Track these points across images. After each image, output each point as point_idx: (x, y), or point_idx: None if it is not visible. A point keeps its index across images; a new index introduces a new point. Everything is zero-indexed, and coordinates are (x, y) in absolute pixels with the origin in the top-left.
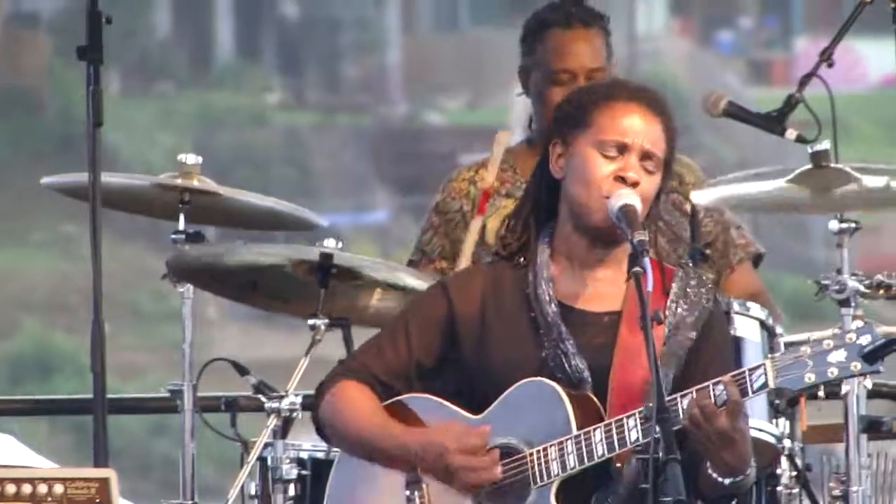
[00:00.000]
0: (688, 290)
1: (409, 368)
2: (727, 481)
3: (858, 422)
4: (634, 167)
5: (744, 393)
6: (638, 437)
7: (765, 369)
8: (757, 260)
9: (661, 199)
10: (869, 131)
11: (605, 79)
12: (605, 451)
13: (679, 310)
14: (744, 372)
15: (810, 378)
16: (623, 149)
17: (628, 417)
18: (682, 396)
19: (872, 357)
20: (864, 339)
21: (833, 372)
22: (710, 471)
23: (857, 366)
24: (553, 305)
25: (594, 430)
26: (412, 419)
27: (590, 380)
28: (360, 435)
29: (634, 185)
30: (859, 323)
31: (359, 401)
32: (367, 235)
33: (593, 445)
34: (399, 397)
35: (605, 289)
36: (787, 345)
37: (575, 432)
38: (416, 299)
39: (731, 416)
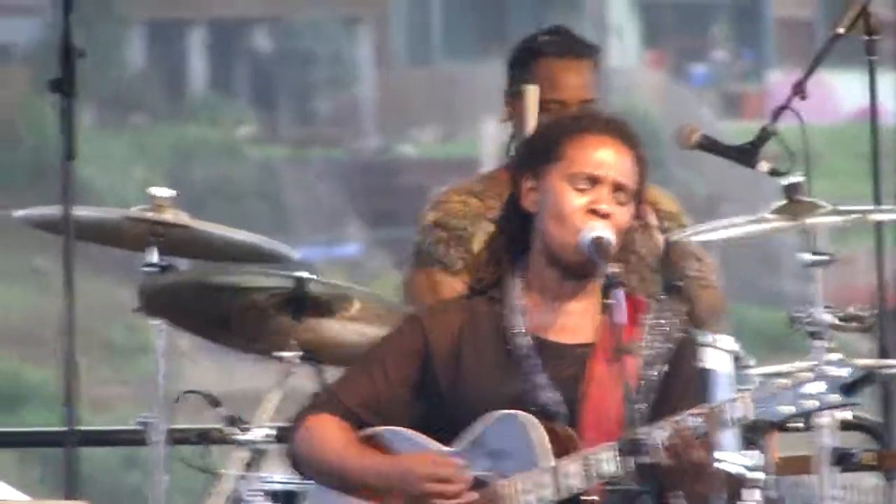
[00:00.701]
0: (661, 322)
1: (383, 401)
2: None
3: (829, 454)
4: (606, 199)
5: (721, 425)
6: (616, 470)
7: (743, 401)
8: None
9: (635, 231)
10: (841, 164)
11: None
12: (581, 484)
13: (653, 343)
14: (721, 404)
15: (788, 410)
16: (595, 181)
17: (604, 450)
18: (656, 428)
19: (850, 390)
20: (843, 372)
21: (811, 404)
22: (679, 501)
23: (834, 398)
24: (526, 338)
25: (569, 462)
26: (385, 451)
27: (565, 412)
28: (336, 465)
29: (606, 216)
30: (838, 356)
31: (333, 432)
32: (339, 268)
33: (569, 478)
34: (371, 429)
35: (577, 321)
36: (759, 377)
37: (550, 464)
38: (391, 332)
39: (707, 447)
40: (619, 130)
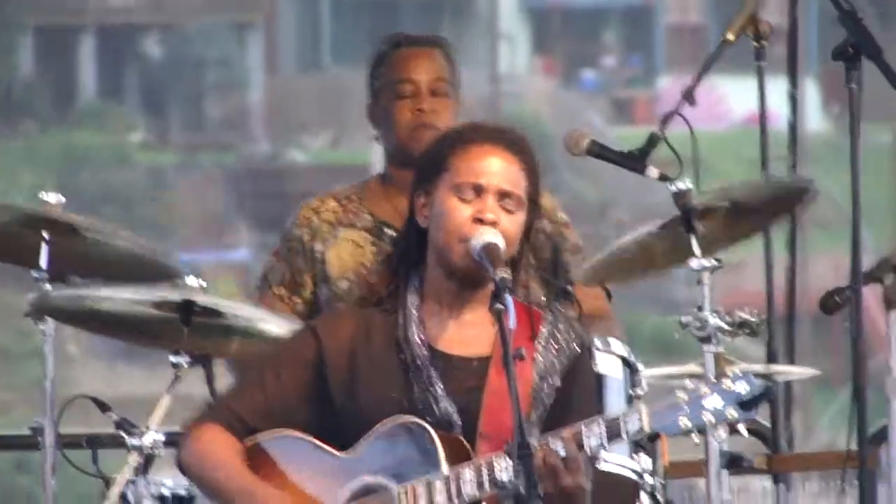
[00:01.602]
0: (556, 333)
1: (276, 409)
2: None
3: (720, 457)
4: (492, 208)
5: (617, 437)
6: (509, 478)
7: (639, 413)
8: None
9: (531, 239)
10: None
11: (446, 92)
12: (475, 491)
13: (548, 354)
14: (618, 417)
15: (685, 424)
16: (480, 190)
17: (499, 457)
18: (553, 437)
19: (748, 405)
20: (741, 387)
21: (709, 418)
22: None
23: (732, 413)
24: (423, 349)
25: (463, 468)
26: (273, 462)
27: (459, 423)
28: (213, 479)
29: (493, 224)
30: (737, 370)
31: (217, 444)
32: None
33: (462, 485)
34: (259, 438)
35: (474, 333)
36: (650, 380)
37: (444, 472)
38: (285, 340)
39: (570, 472)
40: (506, 139)
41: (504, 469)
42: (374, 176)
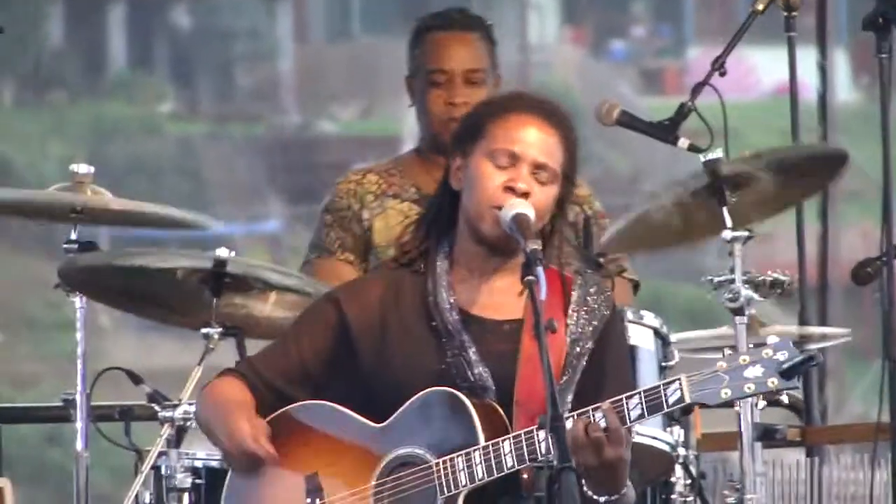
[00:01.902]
0: (587, 298)
1: (295, 371)
2: (602, 499)
3: (753, 429)
4: (525, 178)
5: (657, 408)
6: (548, 450)
7: (680, 384)
8: (620, 273)
9: (565, 211)
10: (760, 140)
11: (481, 80)
12: (515, 463)
13: (579, 319)
14: (658, 387)
15: (726, 393)
16: (514, 158)
17: (539, 429)
18: (594, 410)
19: (789, 373)
20: (782, 355)
21: (749, 387)
22: (585, 486)
23: (774, 382)
24: (454, 313)
25: (503, 441)
26: (307, 431)
27: (493, 388)
28: (212, 418)
29: (525, 195)
30: (775, 338)
31: (225, 389)
32: (259, 244)
33: (502, 457)
34: (294, 406)
35: (504, 298)
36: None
37: (482, 443)
38: (307, 309)
39: (612, 444)
40: (546, 110)
41: (544, 441)
42: (410, 151)
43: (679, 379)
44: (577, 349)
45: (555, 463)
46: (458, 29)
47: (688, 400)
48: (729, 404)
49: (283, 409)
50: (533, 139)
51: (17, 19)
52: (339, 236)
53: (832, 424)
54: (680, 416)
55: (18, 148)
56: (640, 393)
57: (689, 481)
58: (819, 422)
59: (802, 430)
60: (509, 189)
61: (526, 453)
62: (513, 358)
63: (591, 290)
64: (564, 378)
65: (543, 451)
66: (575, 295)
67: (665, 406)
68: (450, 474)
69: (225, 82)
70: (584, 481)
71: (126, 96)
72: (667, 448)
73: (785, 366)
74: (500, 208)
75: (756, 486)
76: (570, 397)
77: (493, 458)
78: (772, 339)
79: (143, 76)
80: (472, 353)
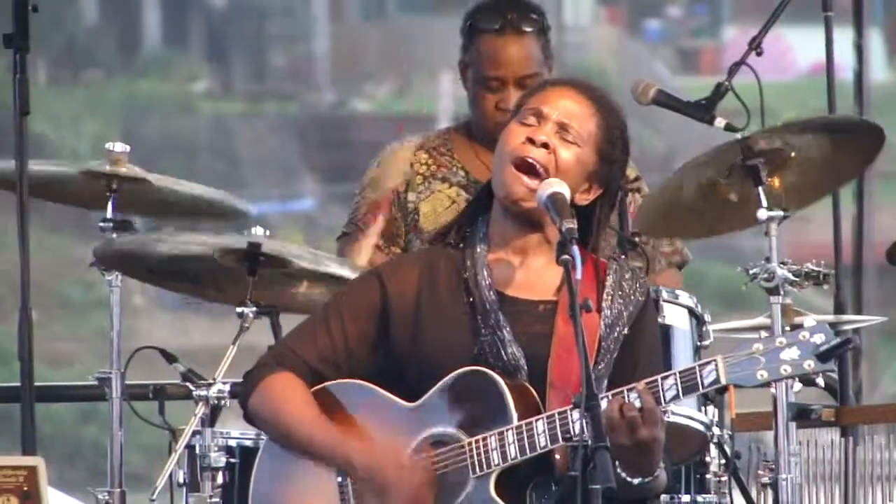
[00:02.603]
0: (622, 283)
1: (340, 355)
2: (636, 481)
3: (787, 409)
4: (547, 132)
5: (693, 389)
6: (581, 430)
7: (716, 365)
8: (680, 266)
9: (609, 195)
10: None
11: (536, 81)
12: (548, 443)
13: (614, 304)
14: (694, 368)
15: (763, 375)
16: (539, 117)
17: (572, 409)
18: (629, 390)
19: (826, 356)
20: (818, 338)
21: (786, 370)
22: (618, 468)
23: (810, 364)
24: (491, 292)
25: (536, 420)
26: (340, 409)
27: (526, 368)
28: (294, 433)
29: (544, 146)
30: (812, 321)
31: (295, 398)
32: (294, 223)
33: (535, 437)
34: (326, 384)
35: (539, 277)
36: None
37: (516, 423)
38: (350, 286)
39: (647, 424)
40: (584, 86)
41: (578, 421)
42: (460, 127)
43: (715, 360)
44: (612, 334)
45: (590, 442)
46: (512, 32)
47: (724, 381)
48: (765, 384)
49: (317, 386)
50: (562, 103)
51: None
52: (374, 217)
53: (866, 405)
54: (715, 395)
55: (52, 126)
56: (675, 374)
57: (723, 461)
58: (853, 402)
59: (837, 411)
60: (530, 141)
61: (560, 433)
62: (546, 339)
63: (626, 276)
64: (601, 365)
65: (577, 431)
66: (610, 280)
67: (701, 387)
68: (482, 453)
69: (259, 61)
70: (617, 463)
71: (160, 75)
72: (701, 427)
73: (822, 349)
74: (519, 160)
75: (790, 465)
76: (605, 383)
77: (526, 438)
78: (809, 322)
79: (177, 55)
80: (507, 333)
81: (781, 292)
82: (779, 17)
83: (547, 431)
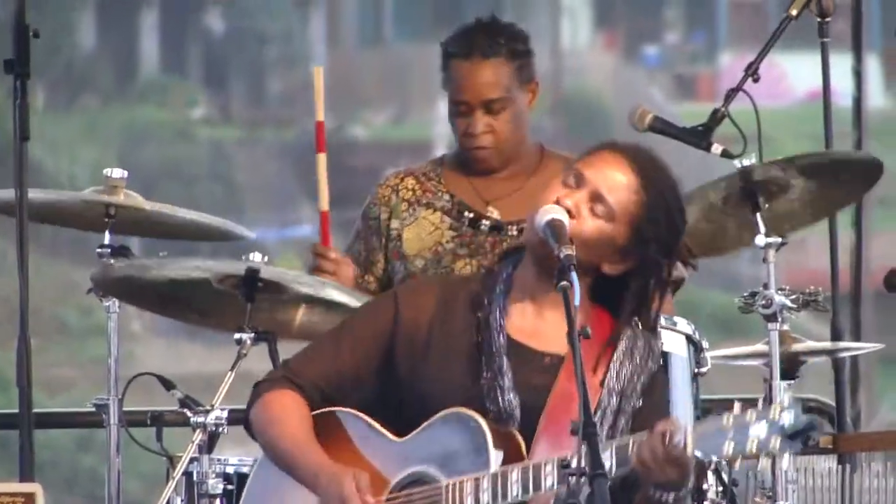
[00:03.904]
0: (633, 351)
1: (347, 376)
2: (671, 497)
3: None
4: (579, 200)
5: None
6: (553, 484)
7: (684, 435)
8: (677, 285)
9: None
10: (793, 146)
11: (502, 107)
12: (520, 493)
13: (622, 371)
14: (665, 433)
15: (729, 449)
16: (580, 181)
17: (546, 463)
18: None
19: (793, 437)
20: (787, 418)
21: (752, 446)
22: (653, 491)
23: (776, 444)
24: (501, 336)
25: (511, 469)
26: (332, 436)
27: (519, 417)
28: (281, 449)
29: (568, 211)
30: (786, 400)
31: (289, 413)
32: (292, 249)
33: (508, 485)
34: (322, 410)
35: (551, 330)
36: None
37: (493, 470)
38: (365, 306)
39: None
40: (633, 152)
41: (549, 474)
42: (451, 153)
43: (685, 429)
44: (618, 403)
45: (587, 470)
46: (479, 56)
47: (689, 452)
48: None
49: (328, 410)
50: (607, 172)
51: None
52: (357, 248)
53: (864, 432)
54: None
55: (50, 152)
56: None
57: (721, 488)
58: (851, 429)
59: (835, 438)
60: (559, 203)
61: (531, 484)
62: (545, 392)
63: (639, 344)
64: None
65: (548, 485)
66: (622, 345)
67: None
68: (457, 497)
69: (257, 87)
70: (651, 488)
71: (158, 101)
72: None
73: (789, 429)
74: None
75: (788, 493)
76: (609, 451)
77: (499, 486)
78: (785, 399)
79: (175, 80)
80: (507, 380)
81: (779, 319)
82: (775, 44)
83: (520, 481)
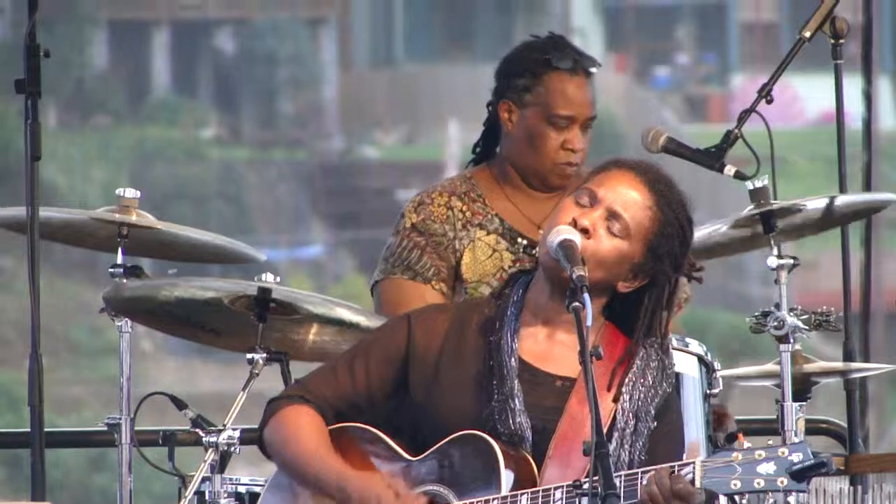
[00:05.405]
0: (647, 371)
1: (361, 395)
2: None
3: None
4: (595, 218)
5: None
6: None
7: (693, 468)
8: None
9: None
10: (806, 168)
11: (592, 127)
12: None
13: (635, 392)
14: (673, 467)
15: (736, 485)
16: (594, 200)
17: (556, 488)
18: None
19: (800, 475)
20: (796, 457)
21: (759, 483)
22: None
23: (783, 482)
24: (513, 359)
25: (521, 494)
26: (353, 450)
27: (530, 440)
28: (301, 464)
29: (584, 230)
30: (796, 438)
31: (306, 428)
32: (303, 270)
33: None
34: (339, 425)
35: (563, 353)
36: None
37: (503, 493)
38: (380, 328)
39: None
40: (647, 171)
41: (560, 500)
42: (480, 170)
43: (694, 463)
44: (632, 422)
45: (600, 490)
46: (584, 73)
47: (698, 484)
48: (773, 431)
49: (340, 426)
50: (621, 189)
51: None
52: (434, 263)
53: (875, 453)
54: (724, 443)
55: (62, 171)
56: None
57: None
58: (862, 450)
59: (846, 459)
60: (573, 224)
61: None
62: (557, 414)
63: (653, 365)
64: (611, 447)
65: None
66: (636, 366)
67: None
68: None
69: (268, 107)
70: None
71: (169, 121)
72: None
73: (796, 468)
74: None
75: None
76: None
77: None
78: (793, 439)
79: (185, 101)
80: (518, 402)
81: (791, 340)
82: (788, 65)
83: None
